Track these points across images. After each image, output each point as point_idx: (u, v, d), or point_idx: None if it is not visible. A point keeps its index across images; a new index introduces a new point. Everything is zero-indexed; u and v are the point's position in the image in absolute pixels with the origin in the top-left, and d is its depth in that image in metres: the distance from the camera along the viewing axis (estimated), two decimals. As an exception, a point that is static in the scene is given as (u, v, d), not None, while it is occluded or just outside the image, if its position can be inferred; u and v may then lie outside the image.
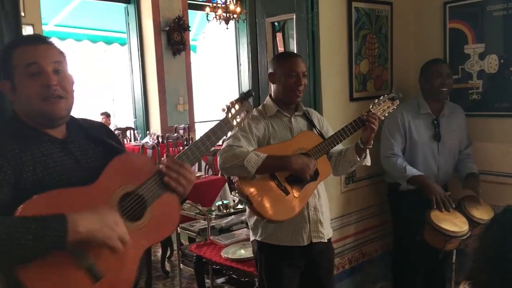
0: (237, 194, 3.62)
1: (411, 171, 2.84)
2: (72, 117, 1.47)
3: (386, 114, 2.27)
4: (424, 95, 2.95)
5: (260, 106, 2.35)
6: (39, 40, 1.38)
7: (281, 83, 2.24)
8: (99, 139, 1.49)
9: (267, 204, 2.09)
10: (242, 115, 1.65)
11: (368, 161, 2.34)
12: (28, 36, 1.42)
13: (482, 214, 2.72)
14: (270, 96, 2.34)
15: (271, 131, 2.22)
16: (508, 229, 1.32)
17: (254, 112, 2.27)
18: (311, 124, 2.33)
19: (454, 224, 2.65)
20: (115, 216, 1.29)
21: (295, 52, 2.89)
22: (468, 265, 1.39)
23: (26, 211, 1.21)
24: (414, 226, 2.80)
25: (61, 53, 1.41)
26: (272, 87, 2.32)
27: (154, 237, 1.45)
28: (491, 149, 3.12)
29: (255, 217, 2.23)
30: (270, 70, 2.30)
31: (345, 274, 3.13)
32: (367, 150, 2.27)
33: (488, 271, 1.32)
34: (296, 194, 2.14)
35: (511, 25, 2.99)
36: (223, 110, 1.64)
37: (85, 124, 1.49)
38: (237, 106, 1.64)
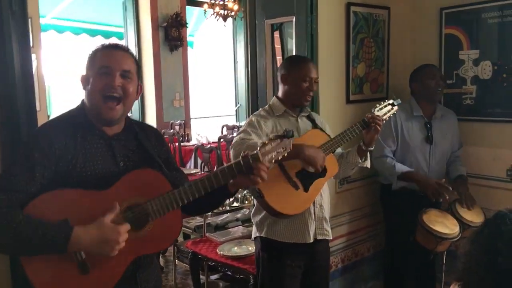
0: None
1: (400, 168, 2.91)
2: (129, 118, 1.64)
3: (387, 118, 2.37)
4: (416, 98, 3.01)
5: (267, 106, 2.41)
6: (118, 47, 1.59)
7: (294, 86, 2.30)
8: (143, 146, 1.62)
9: (278, 198, 2.13)
10: (276, 152, 1.57)
11: (368, 164, 2.42)
12: (111, 43, 1.60)
13: (473, 216, 2.79)
14: (277, 96, 2.39)
15: (279, 129, 2.28)
16: (498, 235, 1.37)
17: (261, 112, 2.35)
18: (315, 125, 2.40)
19: (445, 226, 2.72)
20: (116, 233, 1.40)
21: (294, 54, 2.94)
22: (459, 267, 1.44)
23: (39, 204, 1.38)
24: (406, 227, 2.86)
25: (135, 62, 1.60)
26: (281, 87, 2.36)
27: (149, 248, 1.55)
28: (483, 154, 3.19)
29: (262, 213, 2.29)
30: (283, 72, 2.34)
31: (338, 273, 3.19)
32: (368, 153, 2.35)
33: (479, 273, 1.37)
34: (305, 189, 2.19)
35: (505, 33, 3.05)
36: (261, 144, 1.57)
37: (137, 128, 1.65)
38: (274, 144, 1.57)
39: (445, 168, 3.10)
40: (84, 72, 1.58)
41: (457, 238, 2.67)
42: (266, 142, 1.57)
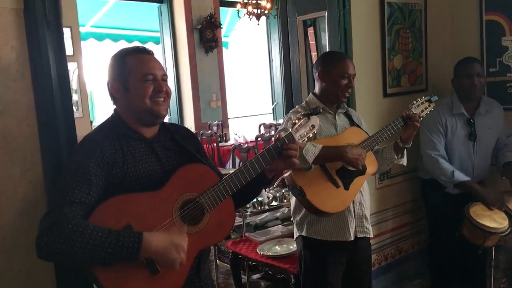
0: (271, 191, 3.66)
1: (459, 176, 2.78)
2: (162, 121, 1.67)
3: (425, 115, 2.32)
4: (458, 94, 2.91)
5: (303, 103, 2.40)
6: (148, 51, 1.61)
7: (332, 83, 2.28)
8: (180, 144, 1.67)
9: (319, 195, 2.13)
10: (306, 130, 1.70)
11: (404, 161, 2.38)
12: (139, 47, 1.61)
13: (523, 210, 2.67)
14: (314, 93, 2.38)
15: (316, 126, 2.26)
16: None
17: (298, 109, 2.34)
18: (351, 122, 2.38)
19: (493, 220, 2.61)
20: (183, 240, 1.45)
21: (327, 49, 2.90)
22: (507, 262, 1.38)
23: (101, 213, 1.42)
24: (450, 222, 2.77)
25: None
26: (319, 84, 2.34)
27: (209, 240, 1.60)
28: (530, 144, 3.03)
29: (302, 212, 2.29)
30: (320, 69, 2.32)
31: (382, 271, 3.12)
32: (405, 150, 2.31)
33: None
34: (345, 187, 2.17)
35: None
36: (291, 125, 1.70)
37: (171, 128, 1.70)
38: (303, 121, 1.70)
39: (489, 162, 2.97)
40: (111, 81, 1.59)
41: (506, 233, 2.56)
42: (296, 121, 1.68)
